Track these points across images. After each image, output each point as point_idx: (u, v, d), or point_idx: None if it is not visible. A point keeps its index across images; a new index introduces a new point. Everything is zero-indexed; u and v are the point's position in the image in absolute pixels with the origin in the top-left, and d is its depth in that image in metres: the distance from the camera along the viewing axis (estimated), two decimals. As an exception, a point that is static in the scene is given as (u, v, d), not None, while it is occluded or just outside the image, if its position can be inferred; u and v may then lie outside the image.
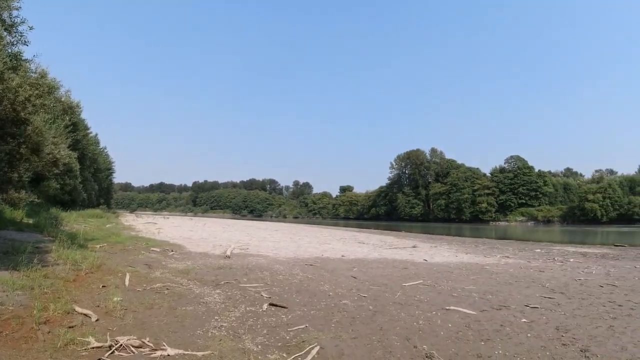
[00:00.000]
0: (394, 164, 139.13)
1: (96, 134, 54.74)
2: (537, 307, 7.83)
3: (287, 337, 5.53)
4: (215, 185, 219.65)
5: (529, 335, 6.01)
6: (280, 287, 8.98)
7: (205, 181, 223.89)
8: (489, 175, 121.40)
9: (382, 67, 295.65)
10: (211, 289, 8.32)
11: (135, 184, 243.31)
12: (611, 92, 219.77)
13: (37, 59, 12.00)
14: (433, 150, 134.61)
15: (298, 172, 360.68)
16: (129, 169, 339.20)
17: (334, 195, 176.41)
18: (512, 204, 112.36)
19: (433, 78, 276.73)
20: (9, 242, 10.02)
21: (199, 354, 4.70)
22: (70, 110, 33.39)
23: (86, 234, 16.61)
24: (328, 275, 11.04)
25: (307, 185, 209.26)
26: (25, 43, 11.21)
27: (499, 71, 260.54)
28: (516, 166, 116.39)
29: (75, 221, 23.27)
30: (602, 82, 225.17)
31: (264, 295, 8.02)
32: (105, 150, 66.01)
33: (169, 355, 4.59)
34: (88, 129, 46.71)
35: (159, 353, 4.62)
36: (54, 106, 17.36)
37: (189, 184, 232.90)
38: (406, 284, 9.98)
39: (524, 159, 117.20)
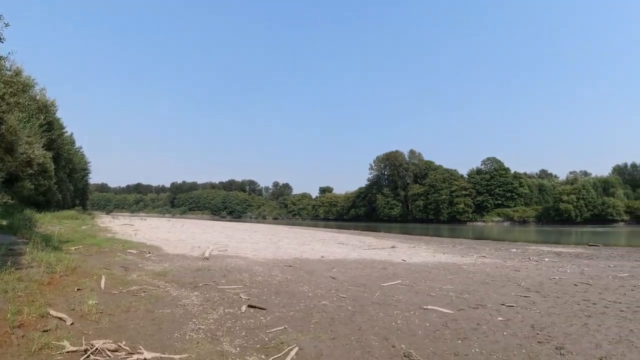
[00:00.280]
0: (373, 165, 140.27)
1: (72, 134, 53.72)
2: (513, 306, 7.98)
3: (266, 339, 5.51)
4: (193, 186, 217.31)
5: (505, 333, 6.11)
6: (259, 288, 8.95)
7: (184, 182, 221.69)
8: (466, 176, 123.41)
9: (363, 70, 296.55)
10: (189, 291, 8.24)
11: (112, 184, 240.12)
12: (592, 95, 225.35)
13: (12, 57, 11.69)
14: (412, 152, 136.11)
15: (278, 173, 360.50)
16: (106, 169, 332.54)
17: (313, 196, 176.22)
18: (489, 205, 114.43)
19: (413, 79, 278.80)
20: (-21, 244, 9.75)
21: (177, 357, 4.65)
22: (45, 108, 32.56)
23: (61, 235, 16.26)
24: (307, 276, 11.05)
25: (286, 186, 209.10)
26: (0, 40, 10.92)
27: (478, 74, 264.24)
28: (492, 168, 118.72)
29: (49, 223, 22.81)
30: (584, 86, 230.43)
31: (242, 297, 7.98)
32: (81, 150, 64.95)
33: (145, 359, 4.53)
34: (63, 128, 45.74)
35: (135, 357, 4.55)
36: (28, 104, 16.91)
37: (167, 185, 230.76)
38: (385, 284, 10.06)
39: (500, 161, 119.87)
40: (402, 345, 5.44)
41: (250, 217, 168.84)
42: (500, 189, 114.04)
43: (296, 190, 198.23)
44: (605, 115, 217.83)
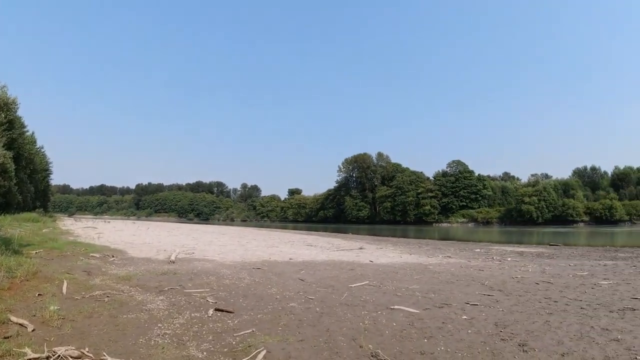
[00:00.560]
0: (342, 167, 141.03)
1: (33, 133, 51.53)
2: (477, 305, 8.18)
3: (234, 343, 5.49)
4: (159, 188, 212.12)
5: (469, 331, 6.27)
6: (226, 291, 8.89)
7: (149, 183, 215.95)
8: (432, 179, 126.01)
9: (332, 71, 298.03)
10: (154, 296, 8.10)
11: (74, 185, 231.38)
12: (563, 99, 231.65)
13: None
14: (379, 154, 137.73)
15: (246, 175, 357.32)
16: (68, 169, 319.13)
17: (282, 198, 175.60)
18: (454, 206, 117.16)
19: (382, 82, 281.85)
20: None
21: (142, 362, 4.59)
22: (5, 107, 31.40)
23: (21, 239, 15.63)
24: (275, 278, 11.03)
25: (255, 188, 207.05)
26: None
27: (446, 77, 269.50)
28: (458, 170, 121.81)
29: (9, 225, 21.92)
30: (556, 89, 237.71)
31: (209, 300, 7.91)
32: (43, 150, 62.29)
33: (109, 365, 4.45)
34: (24, 127, 43.91)
35: (99, 363, 4.47)
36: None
37: (132, 187, 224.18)
38: (353, 285, 10.16)
39: (464, 164, 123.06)
40: (370, 346, 5.52)
41: (219, 220, 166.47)
42: (465, 191, 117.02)
43: (265, 192, 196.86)
44: (565, 120, 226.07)
